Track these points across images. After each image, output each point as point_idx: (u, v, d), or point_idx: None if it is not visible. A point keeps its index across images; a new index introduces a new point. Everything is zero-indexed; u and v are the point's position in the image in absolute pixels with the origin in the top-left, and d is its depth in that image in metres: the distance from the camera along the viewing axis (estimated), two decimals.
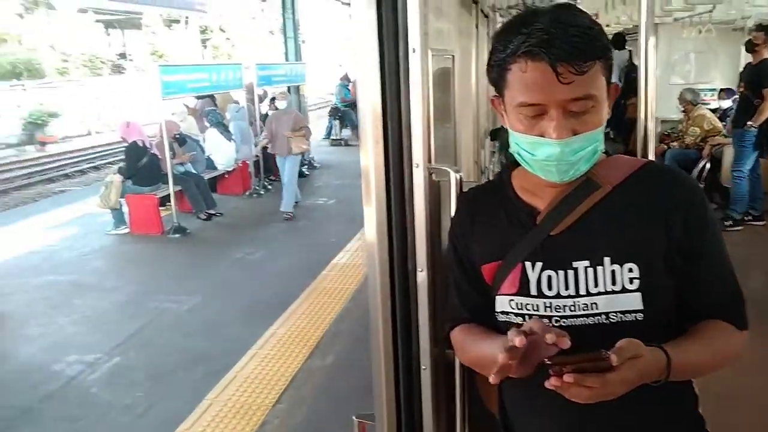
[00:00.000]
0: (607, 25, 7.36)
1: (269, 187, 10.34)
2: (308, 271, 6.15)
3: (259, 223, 8.44)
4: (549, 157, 1.09)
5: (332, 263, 6.35)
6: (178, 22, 29.73)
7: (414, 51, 1.29)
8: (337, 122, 15.74)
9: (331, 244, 7.09)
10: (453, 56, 2.05)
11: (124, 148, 8.38)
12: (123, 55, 29.07)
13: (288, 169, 8.59)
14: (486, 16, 4.11)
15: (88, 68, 25.86)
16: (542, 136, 1.08)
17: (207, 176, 9.07)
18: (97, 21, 27.83)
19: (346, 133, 15.83)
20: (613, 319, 1.12)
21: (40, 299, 5.73)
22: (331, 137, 15.71)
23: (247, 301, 5.65)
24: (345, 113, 15.73)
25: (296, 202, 8.81)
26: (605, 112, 1.12)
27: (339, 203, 9.51)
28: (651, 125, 2.15)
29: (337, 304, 5.28)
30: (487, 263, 1.24)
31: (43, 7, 26.44)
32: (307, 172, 11.70)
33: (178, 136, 8.28)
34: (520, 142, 1.13)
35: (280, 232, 8.00)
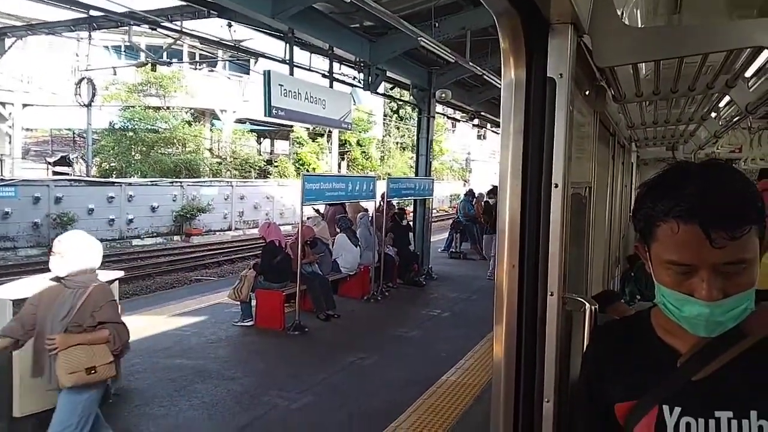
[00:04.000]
0: (752, 160, 7.02)
1: (386, 293, 10.52)
2: (416, 384, 6.04)
3: (373, 329, 8.52)
4: (698, 316, 1.06)
5: (442, 379, 6.20)
6: (322, 135, 32.53)
7: (556, 186, 1.35)
8: (457, 235, 15.96)
9: (442, 360, 6.96)
10: (590, 187, 2.08)
11: (260, 247, 9.01)
12: (270, 162, 32.07)
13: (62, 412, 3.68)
14: (622, 147, 4.13)
15: (238, 171, 28.75)
16: (691, 294, 1.06)
17: (331, 278, 9.44)
18: (252, 131, 31.27)
19: (466, 246, 15.95)
20: None
21: (166, 380, 6.08)
22: (451, 250, 15.88)
23: (354, 408, 5.62)
24: (466, 227, 15.96)
25: None
26: (757, 271, 1.08)
27: (453, 316, 9.40)
28: None
29: (445, 423, 5.10)
30: (621, 402, 1.20)
31: (208, 116, 30.33)
32: (424, 282, 11.82)
33: (310, 240, 8.82)
34: (666, 296, 1.11)
35: (392, 340, 8.00)
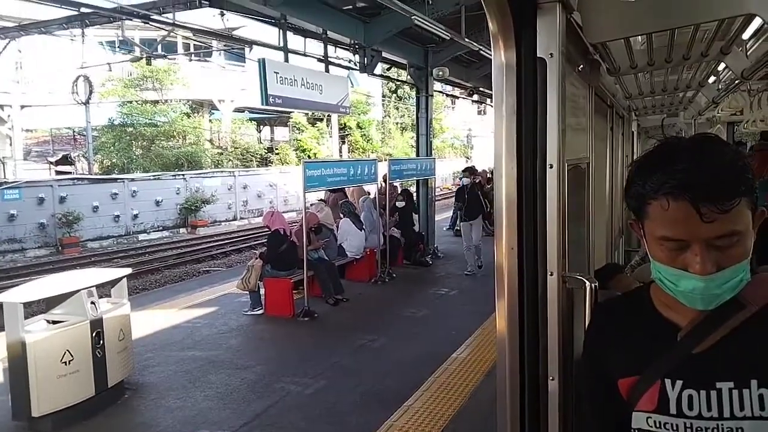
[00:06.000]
0: (753, 122, 6.96)
1: (393, 275, 10.57)
2: (427, 362, 6.10)
3: (382, 311, 8.59)
4: (694, 290, 1.07)
5: (452, 357, 6.26)
6: (321, 120, 32.40)
7: (551, 167, 1.35)
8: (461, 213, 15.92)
9: (451, 337, 7.01)
10: (588, 162, 2.08)
11: (266, 235, 9.04)
12: (271, 150, 32.01)
13: None
14: (621, 118, 4.10)
15: (239, 160, 28.74)
16: (686, 269, 1.07)
17: (337, 263, 9.49)
18: (251, 119, 31.18)
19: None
20: None
21: (180, 372, 6.16)
22: (456, 227, 15.86)
23: (367, 389, 5.69)
24: None
25: None
26: (751, 242, 1.08)
27: (461, 294, 9.46)
28: None
29: (456, 401, 5.16)
30: (624, 378, 1.21)
31: (207, 107, 30.26)
32: (430, 261, 11.87)
33: (315, 227, 8.85)
34: (662, 272, 1.12)
35: (401, 320, 8.06)
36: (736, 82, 3.90)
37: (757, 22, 2.23)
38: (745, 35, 2.62)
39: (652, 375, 1.16)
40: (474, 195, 10.73)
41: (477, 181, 11.40)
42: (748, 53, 2.76)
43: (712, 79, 4.07)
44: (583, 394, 1.32)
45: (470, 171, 11.78)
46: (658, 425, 1.13)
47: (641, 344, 1.21)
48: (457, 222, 15.85)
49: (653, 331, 1.20)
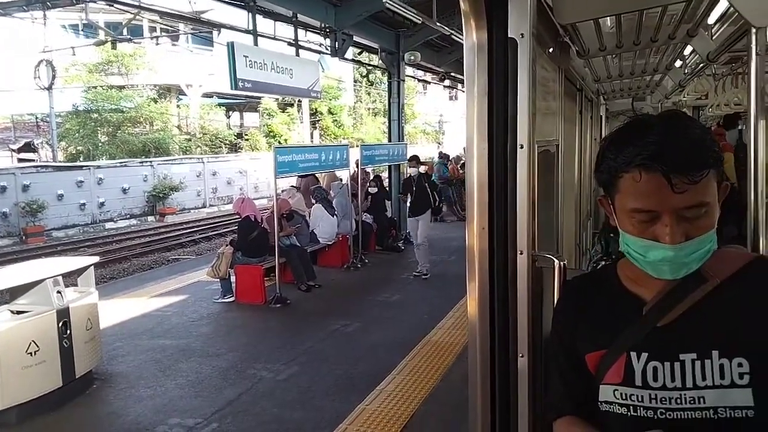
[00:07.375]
0: (718, 106, 7.10)
1: (366, 260, 10.57)
2: (400, 346, 6.15)
3: (355, 296, 8.60)
4: (663, 260, 1.10)
5: (424, 340, 6.32)
6: (291, 105, 32.03)
7: (522, 147, 1.36)
8: None
9: (423, 321, 7.07)
10: (557, 145, 2.09)
11: (236, 222, 8.92)
12: (240, 135, 31.58)
13: None
14: (590, 101, 4.14)
15: (208, 147, 28.28)
16: (655, 240, 1.10)
17: (309, 249, 9.45)
18: (219, 105, 30.66)
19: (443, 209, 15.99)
20: (721, 414, 1.08)
21: (150, 361, 6.08)
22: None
23: (340, 374, 5.70)
24: (442, 189, 15.96)
25: None
26: (717, 214, 1.12)
27: (433, 278, 9.52)
28: (762, 211, 1.98)
29: (428, 383, 5.21)
30: (591, 352, 1.24)
31: (174, 92, 29.64)
32: (402, 247, 11.91)
33: (286, 213, 8.77)
34: (631, 244, 1.15)
35: (374, 305, 8.08)
36: (702, 65, 3.98)
37: (722, 6, 2.27)
38: (711, 19, 2.66)
39: (618, 348, 1.19)
40: (421, 187, 9.64)
41: (424, 171, 10.25)
42: (714, 36, 2.81)
43: (678, 62, 4.15)
44: (552, 371, 1.34)
45: (417, 160, 10.23)
46: (624, 397, 1.16)
47: (608, 319, 1.23)
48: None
49: (619, 306, 1.23)
